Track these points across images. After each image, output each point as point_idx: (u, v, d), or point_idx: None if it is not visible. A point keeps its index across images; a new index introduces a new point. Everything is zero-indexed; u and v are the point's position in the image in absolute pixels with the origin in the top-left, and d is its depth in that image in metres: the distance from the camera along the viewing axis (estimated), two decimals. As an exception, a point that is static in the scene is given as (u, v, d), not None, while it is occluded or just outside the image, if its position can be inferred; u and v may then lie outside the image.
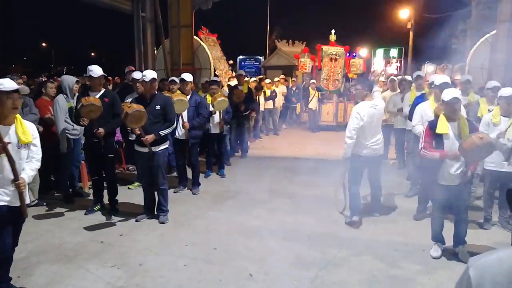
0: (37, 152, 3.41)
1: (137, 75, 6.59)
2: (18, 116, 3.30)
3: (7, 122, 3.21)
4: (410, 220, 5.28)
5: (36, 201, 5.71)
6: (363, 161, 5.07)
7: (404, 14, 22.45)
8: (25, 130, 3.28)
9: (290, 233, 4.85)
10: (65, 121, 5.77)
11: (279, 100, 13.20)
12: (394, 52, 23.16)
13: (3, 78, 3.33)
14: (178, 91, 6.45)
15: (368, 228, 5.03)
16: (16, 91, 3.18)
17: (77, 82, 6.13)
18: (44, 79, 8.02)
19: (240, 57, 22.56)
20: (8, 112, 3.18)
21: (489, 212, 5.02)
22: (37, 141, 3.41)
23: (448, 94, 3.98)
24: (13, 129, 3.23)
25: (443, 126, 4.01)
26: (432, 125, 4.10)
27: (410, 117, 6.02)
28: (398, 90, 7.71)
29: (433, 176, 4.13)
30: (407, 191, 6.31)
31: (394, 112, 7.52)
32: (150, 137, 4.95)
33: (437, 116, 4.21)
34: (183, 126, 6.26)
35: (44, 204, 5.75)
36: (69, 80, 6.02)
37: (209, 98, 7.03)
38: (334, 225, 5.13)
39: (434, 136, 4.04)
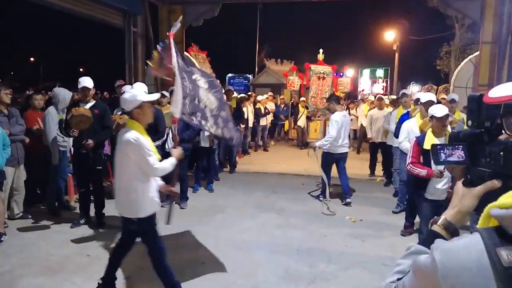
0: None
1: (127, 88, 6.59)
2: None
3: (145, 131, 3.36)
4: (397, 236, 5.32)
5: (21, 213, 5.61)
6: (335, 158, 6.70)
7: (390, 36, 23.01)
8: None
9: (279, 247, 4.85)
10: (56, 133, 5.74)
11: (268, 117, 13.33)
12: (380, 72, 23.64)
13: None
14: (168, 105, 6.47)
15: (356, 243, 5.06)
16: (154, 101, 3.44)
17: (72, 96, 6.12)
18: (31, 92, 7.96)
19: (229, 75, 22.70)
20: (150, 120, 3.39)
21: (475, 228, 5.09)
22: None
23: (441, 111, 4.10)
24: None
25: (431, 142, 4.11)
26: (420, 141, 4.19)
27: (396, 134, 6.15)
28: (390, 108, 7.83)
29: (420, 191, 4.20)
30: (394, 207, 6.37)
31: (388, 129, 7.53)
32: (140, 149, 4.93)
33: (423, 132, 4.32)
34: (173, 139, 6.24)
35: (29, 216, 5.63)
36: (65, 92, 5.99)
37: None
38: (322, 240, 5.14)
39: (421, 151, 4.13)
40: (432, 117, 4.16)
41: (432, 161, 3.97)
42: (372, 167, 8.85)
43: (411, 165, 4.16)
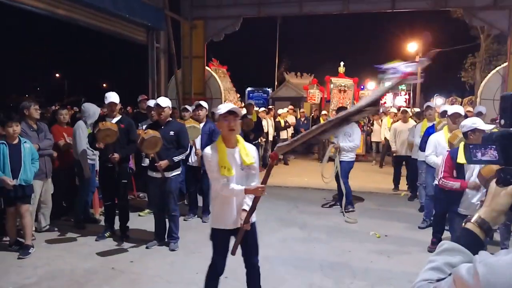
0: (256, 176, 3.36)
1: (152, 103, 6.70)
2: (239, 138, 3.35)
3: (231, 145, 3.27)
4: (424, 252, 5.16)
5: (48, 226, 5.73)
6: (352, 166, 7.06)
7: (412, 47, 22.75)
8: (248, 152, 3.30)
9: (302, 262, 4.78)
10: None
11: (289, 130, 13.32)
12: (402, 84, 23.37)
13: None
14: (191, 119, 6.54)
15: (381, 259, 4.94)
16: (231, 112, 3.18)
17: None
18: (57, 107, 8.20)
19: (249, 88, 22.83)
20: (226, 133, 3.23)
21: (506, 244, 4.92)
22: (257, 164, 3.38)
23: (485, 125, 4.00)
24: (238, 151, 3.27)
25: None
26: (453, 155, 4.09)
27: (421, 147, 6.03)
28: (414, 121, 7.71)
29: (453, 206, 4.09)
30: (420, 223, 6.21)
31: (413, 142, 7.38)
32: (164, 163, 4.99)
33: (452, 145, 4.22)
34: (196, 153, 6.31)
35: (56, 229, 5.75)
36: (94, 108, 6.13)
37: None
38: (346, 255, 5.05)
39: (455, 165, 4.03)
40: (475, 130, 4.03)
41: (465, 172, 3.81)
42: (396, 181, 8.69)
43: (443, 180, 4.06)
